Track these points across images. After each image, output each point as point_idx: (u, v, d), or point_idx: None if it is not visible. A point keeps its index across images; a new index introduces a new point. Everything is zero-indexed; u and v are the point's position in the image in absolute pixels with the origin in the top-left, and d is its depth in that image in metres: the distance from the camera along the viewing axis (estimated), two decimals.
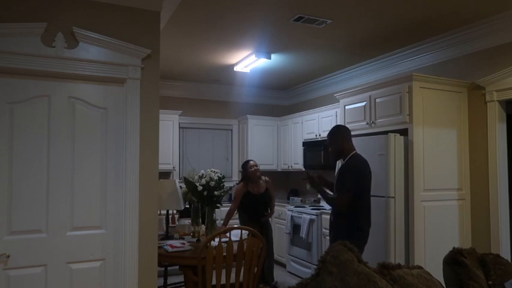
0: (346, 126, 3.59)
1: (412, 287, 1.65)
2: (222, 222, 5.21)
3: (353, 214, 3.06)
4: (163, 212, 4.14)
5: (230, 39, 4.35)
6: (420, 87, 3.76)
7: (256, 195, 4.85)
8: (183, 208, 4.01)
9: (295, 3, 3.42)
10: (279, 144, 6.77)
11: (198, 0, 3.36)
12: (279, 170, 6.76)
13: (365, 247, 3.04)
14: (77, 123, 2.63)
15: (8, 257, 2.42)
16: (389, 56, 4.80)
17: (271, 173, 6.56)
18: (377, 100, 4.12)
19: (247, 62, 5.08)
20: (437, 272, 2.07)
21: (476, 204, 3.90)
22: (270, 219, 5.13)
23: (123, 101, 2.72)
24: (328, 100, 6.00)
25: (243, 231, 3.23)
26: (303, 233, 5.27)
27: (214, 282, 3.08)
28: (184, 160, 6.44)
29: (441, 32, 4.06)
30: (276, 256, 5.58)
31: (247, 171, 4.89)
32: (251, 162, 4.95)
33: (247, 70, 5.44)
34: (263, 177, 4.99)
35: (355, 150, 3.23)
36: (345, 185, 3.07)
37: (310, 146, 5.89)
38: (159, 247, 3.21)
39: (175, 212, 5.12)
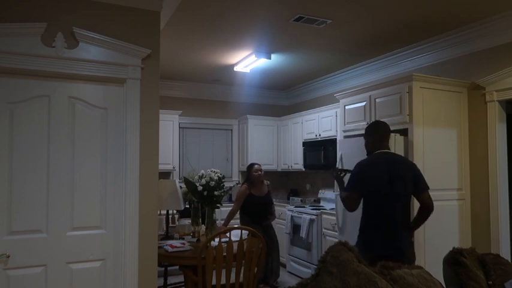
0: (385, 123, 3.21)
1: (412, 287, 1.65)
2: (222, 222, 5.21)
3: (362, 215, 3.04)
4: (163, 212, 4.15)
5: (230, 39, 4.35)
6: (420, 87, 3.76)
7: (258, 197, 4.85)
8: (183, 208, 4.02)
9: (295, 3, 3.42)
10: (279, 144, 6.76)
11: (198, 0, 3.37)
12: (279, 170, 6.76)
13: None
14: (77, 123, 2.63)
15: (8, 257, 2.42)
16: (389, 56, 4.80)
17: (271, 173, 6.57)
18: (377, 100, 4.12)
19: (247, 62, 5.08)
20: (437, 272, 2.07)
21: (476, 204, 3.90)
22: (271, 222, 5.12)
23: (123, 101, 2.72)
24: (328, 100, 6.00)
25: (243, 231, 3.23)
26: (303, 233, 5.27)
27: (214, 282, 3.09)
28: (184, 160, 6.44)
29: (441, 32, 4.06)
30: None
31: (251, 174, 4.89)
32: (256, 166, 4.94)
33: (247, 70, 5.44)
34: (265, 181, 5.01)
35: (377, 150, 3.05)
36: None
37: (310, 146, 5.89)
38: (159, 247, 3.21)
39: (175, 212, 5.12)
